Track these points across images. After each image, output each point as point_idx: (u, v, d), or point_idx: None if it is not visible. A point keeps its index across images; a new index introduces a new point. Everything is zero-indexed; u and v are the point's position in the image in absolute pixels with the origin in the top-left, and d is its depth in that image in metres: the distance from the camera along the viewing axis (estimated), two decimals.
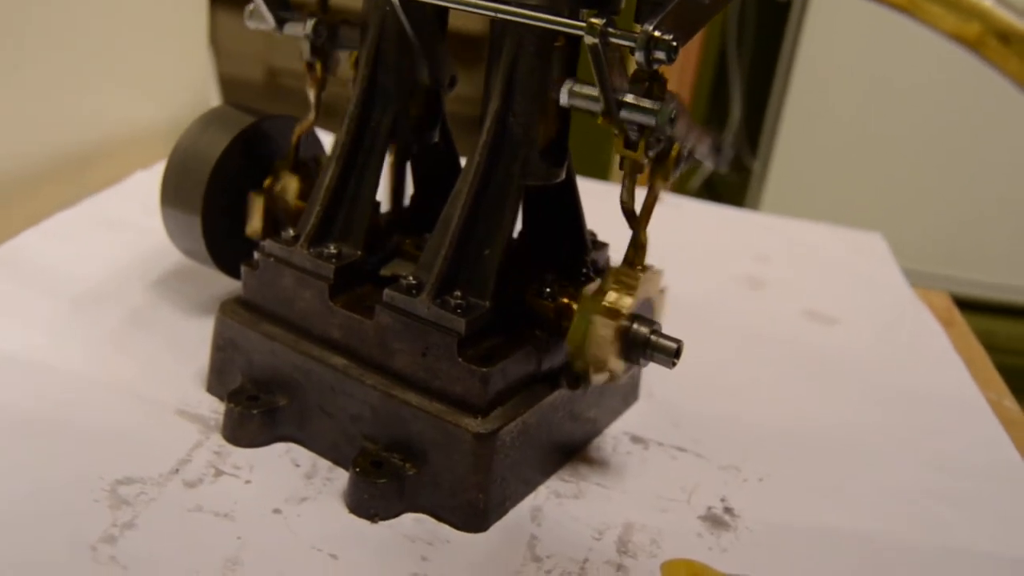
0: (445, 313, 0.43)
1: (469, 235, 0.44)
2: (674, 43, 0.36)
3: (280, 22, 0.49)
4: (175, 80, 0.84)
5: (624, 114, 0.40)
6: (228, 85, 1.30)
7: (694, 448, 0.52)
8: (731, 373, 0.60)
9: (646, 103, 0.39)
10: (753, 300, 0.71)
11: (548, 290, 0.46)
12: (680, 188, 1.73)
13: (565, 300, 0.46)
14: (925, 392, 0.60)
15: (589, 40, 0.37)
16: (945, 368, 0.63)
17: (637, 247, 0.43)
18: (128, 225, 0.64)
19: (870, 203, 1.43)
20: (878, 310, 0.71)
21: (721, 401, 0.56)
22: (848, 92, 1.38)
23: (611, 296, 0.43)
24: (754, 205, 1.56)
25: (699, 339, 0.61)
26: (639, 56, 0.36)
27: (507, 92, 0.44)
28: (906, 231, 1.39)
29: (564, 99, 0.41)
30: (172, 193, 0.54)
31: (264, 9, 0.49)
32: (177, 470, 0.44)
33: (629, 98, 0.39)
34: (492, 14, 0.40)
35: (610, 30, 0.37)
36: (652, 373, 0.54)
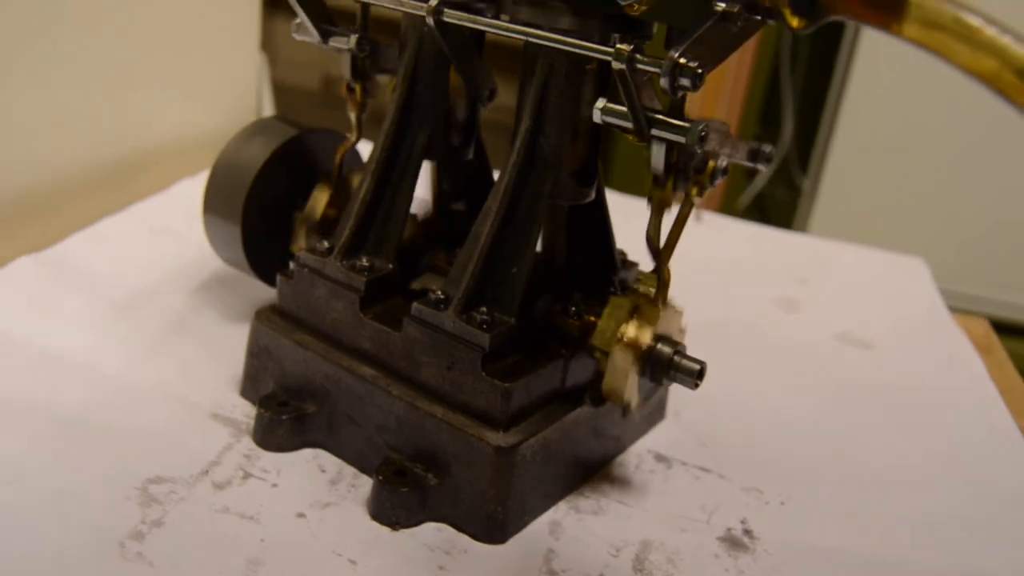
0: (470, 328, 0.44)
1: (497, 252, 0.45)
2: (699, 70, 0.36)
3: (325, 35, 0.50)
4: (224, 89, 0.87)
5: (655, 132, 0.40)
6: (283, 92, 1.32)
7: (718, 469, 0.52)
8: (760, 395, 0.60)
9: (676, 122, 0.40)
10: (788, 322, 0.71)
11: (574, 308, 0.47)
12: (729, 205, 1.73)
13: (590, 319, 0.47)
14: (956, 419, 0.59)
15: (617, 66, 0.38)
16: (978, 396, 0.62)
17: (661, 285, 0.44)
18: (172, 232, 0.66)
19: (916, 221, 1.41)
20: (914, 335, 0.70)
21: (748, 422, 0.57)
22: (899, 111, 1.37)
23: (632, 330, 0.44)
24: (803, 223, 1.55)
25: (730, 360, 0.61)
26: (664, 83, 0.36)
27: (538, 112, 0.44)
28: (951, 251, 1.38)
29: (597, 117, 0.42)
30: (214, 202, 0.56)
31: (308, 23, 0.50)
32: (207, 471, 0.46)
33: (659, 117, 0.40)
34: (524, 38, 0.41)
35: (637, 56, 0.38)
36: (679, 392, 0.55)
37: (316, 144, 0.57)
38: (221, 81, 0.87)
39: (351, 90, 0.53)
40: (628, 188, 0.79)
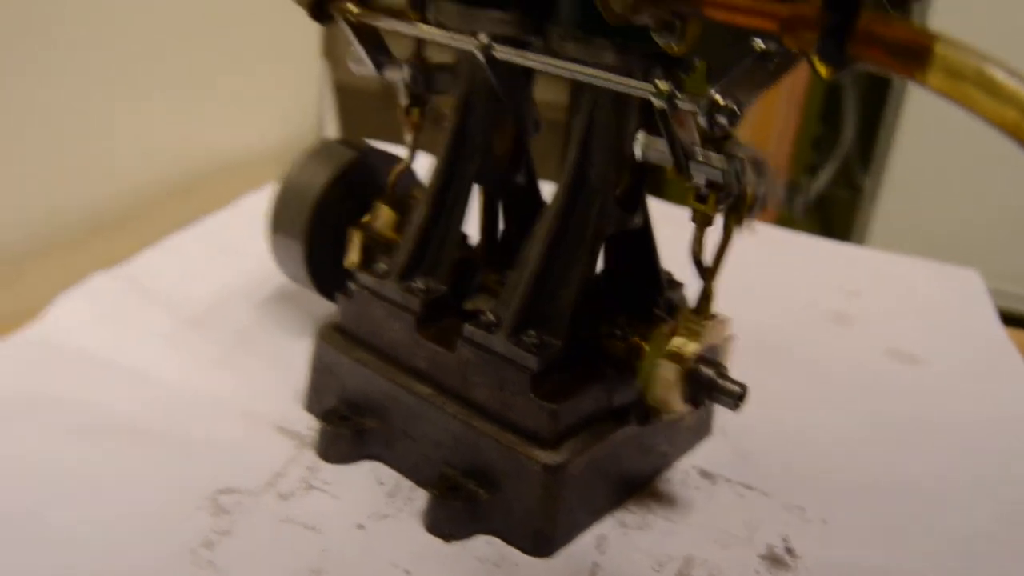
0: (520, 351, 0.46)
1: (545, 277, 0.47)
2: (736, 108, 0.38)
3: (379, 66, 0.53)
4: (286, 101, 0.90)
5: (693, 168, 0.42)
6: (346, 94, 1.35)
7: (761, 486, 0.53)
8: (806, 411, 0.61)
9: (714, 159, 0.41)
10: (837, 336, 0.72)
11: (619, 331, 0.49)
12: (788, 206, 1.72)
13: (636, 340, 0.48)
14: (1005, 439, 0.59)
15: (657, 103, 0.39)
16: None
17: (705, 297, 0.45)
18: (238, 246, 0.69)
19: (981, 220, 1.40)
20: (965, 351, 0.70)
21: (793, 439, 0.58)
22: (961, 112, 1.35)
23: (677, 341, 0.45)
24: (865, 224, 1.54)
25: (777, 375, 0.63)
26: (702, 121, 0.38)
27: (585, 143, 0.46)
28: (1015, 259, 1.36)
29: (638, 152, 0.44)
30: (278, 222, 0.59)
31: (363, 54, 0.52)
32: (273, 482, 0.49)
33: (698, 154, 0.41)
34: (567, 74, 0.43)
35: (676, 94, 0.39)
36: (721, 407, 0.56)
37: (376, 164, 0.60)
38: (283, 94, 0.90)
39: (408, 112, 0.55)
40: (683, 199, 0.80)
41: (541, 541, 0.46)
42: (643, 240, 0.51)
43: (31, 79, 0.63)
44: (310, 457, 0.51)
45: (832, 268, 0.84)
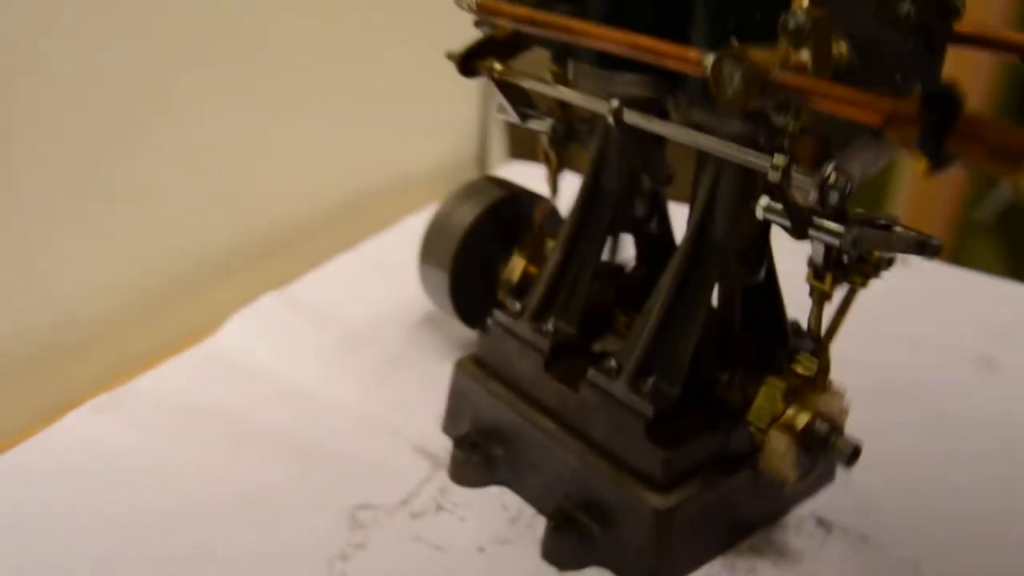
0: (637, 398, 0.48)
1: (666, 328, 0.49)
2: (847, 185, 0.39)
3: (523, 117, 0.56)
4: (450, 127, 0.94)
5: (812, 233, 0.43)
6: None
7: (878, 538, 0.53)
8: (939, 463, 0.60)
9: (832, 226, 0.42)
10: (982, 384, 0.70)
11: (738, 380, 0.51)
12: (964, 217, 1.64)
13: (751, 391, 0.50)
14: None
15: (772, 177, 0.41)
16: None
17: (822, 371, 0.47)
18: (396, 269, 0.74)
19: None
20: None
21: (920, 492, 0.57)
22: None
23: (789, 413, 0.47)
24: None
25: (911, 422, 0.62)
26: (813, 196, 0.40)
27: (709, 202, 0.48)
28: None
29: (759, 214, 0.45)
30: (427, 253, 0.64)
31: (508, 107, 0.56)
32: (407, 501, 0.53)
33: (816, 220, 0.43)
34: (690, 142, 0.45)
35: (792, 169, 0.41)
36: None
37: (523, 203, 0.63)
38: (447, 116, 0.95)
39: (547, 157, 0.58)
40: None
41: None
42: (767, 294, 0.52)
43: (205, 108, 0.70)
44: (443, 478, 0.55)
45: (984, 306, 0.81)
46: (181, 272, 0.70)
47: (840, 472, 0.58)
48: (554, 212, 0.64)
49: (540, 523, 0.52)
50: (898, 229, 0.44)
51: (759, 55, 0.36)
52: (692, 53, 0.40)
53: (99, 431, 0.56)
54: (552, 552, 0.50)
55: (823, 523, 0.55)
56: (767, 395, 0.48)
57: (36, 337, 0.61)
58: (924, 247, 0.45)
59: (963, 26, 0.43)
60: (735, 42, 0.39)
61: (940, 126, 0.33)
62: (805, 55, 0.37)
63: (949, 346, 0.74)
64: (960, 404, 0.67)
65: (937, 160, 0.34)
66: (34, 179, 0.60)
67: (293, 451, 0.56)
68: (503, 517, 0.53)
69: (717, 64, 0.38)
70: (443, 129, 0.94)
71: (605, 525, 0.50)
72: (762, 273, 0.51)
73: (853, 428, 0.57)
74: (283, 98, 0.76)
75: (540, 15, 0.46)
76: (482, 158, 0.99)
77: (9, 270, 0.59)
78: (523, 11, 0.47)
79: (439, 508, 0.53)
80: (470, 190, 0.64)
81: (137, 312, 0.67)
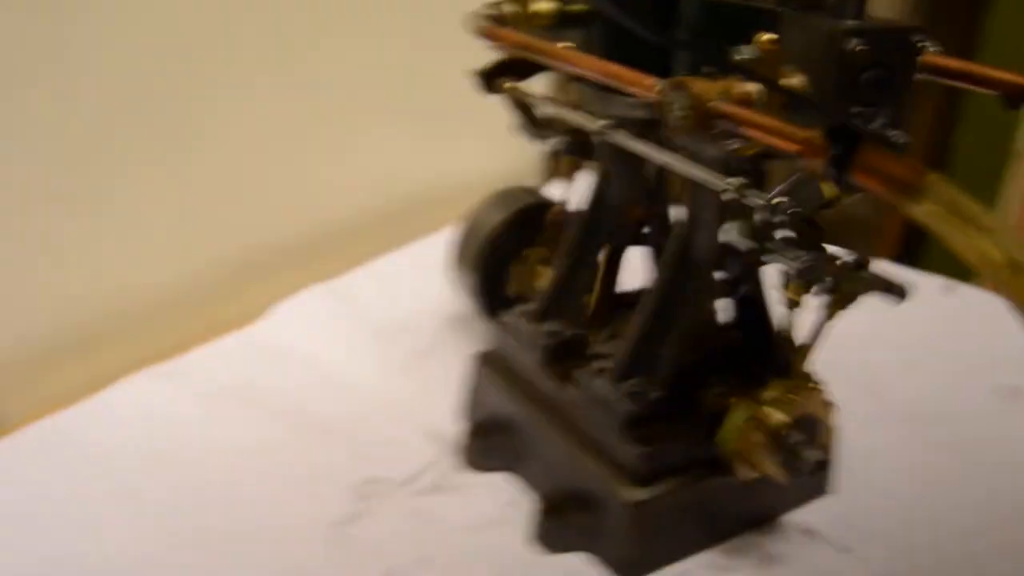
0: (618, 397, 0.52)
1: (650, 334, 0.52)
2: (794, 210, 0.42)
3: (539, 138, 0.60)
4: (509, 137, 0.98)
5: (766, 258, 0.46)
6: None
7: (861, 551, 0.55)
8: (945, 490, 0.61)
9: (788, 253, 0.45)
10: (1006, 414, 0.69)
11: (724, 388, 0.53)
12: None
13: (732, 399, 0.52)
14: None
15: (725, 196, 0.44)
16: None
17: (797, 373, 0.49)
18: (434, 271, 0.78)
19: None
20: None
21: (920, 514, 0.58)
22: None
23: (765, 410, 0.49)
24: None
25: (925, 448, 0.62)
26: (758, 218, 0.42)
27: (692, 218, 0.51)
28: None
29: (721, 236, 0.48)
30: (458, 255, 0.68)
31: (523, 122, 0.60)
32: (412, 479, 0.58)
33: (772, 246, 0.45)
34: (665, 164, 0.48)
35: (745, 192, 0.44)
36: (856, 473, 0.59)
37: (546, 210, 0.67)
38: (503, 123, 0.99)
39: (561, 170, 0.63)
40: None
41: (626, 566, 0.52)
42: (753, 306, 0.55)
43: (276, 106, 0.76)
44: (449, 462, 0.60)
45: (1015, 332, 0.80)
46: (242, 262, 0.77)
47: (846, 486, 0.59)
48: (567, 217, 0.68)
49: (533, 509, 0.56)
50: (868, 270, 0.46)
51: (703, 85, 0.40)
52: (648, 81, 0.43)
53: (148, 398, 0.63)
54: (539, 536, 0.54)
55: (809, 532, 0.56)
56: (735, 420, 0.50)
57: (101, 310, 0.68)
58: (890, 289, 0.47)
59: (947, 62, 0.45)
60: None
61: (842, 158, 0.35)
62: (752, 86, 0.40)
63: (975, 374, 0.74)
64: (979, 433, 0.66)
65: (842, 187, 0.36)
66: (114, 171, 0.67)
67: (316, 428, 0.61)
68: (500, 500, 0.57)
69: (663, 92, 0.41)
70: (505, 138, 0.97)
71: (589, 514, 0.53)
72: (744, 288, 0.53)
73: (863, 448, 0.59)
74: (350, 101, 0.81)
75: (533, 42, 0.50)
76: (541, 168, 1.03)
77: (89, 252, 0.66)
78: (518, 38, 0.51)
79: (440, 488, 0.57)
80: (500, 197, 0.69)
81: (200, 296, 0.74)
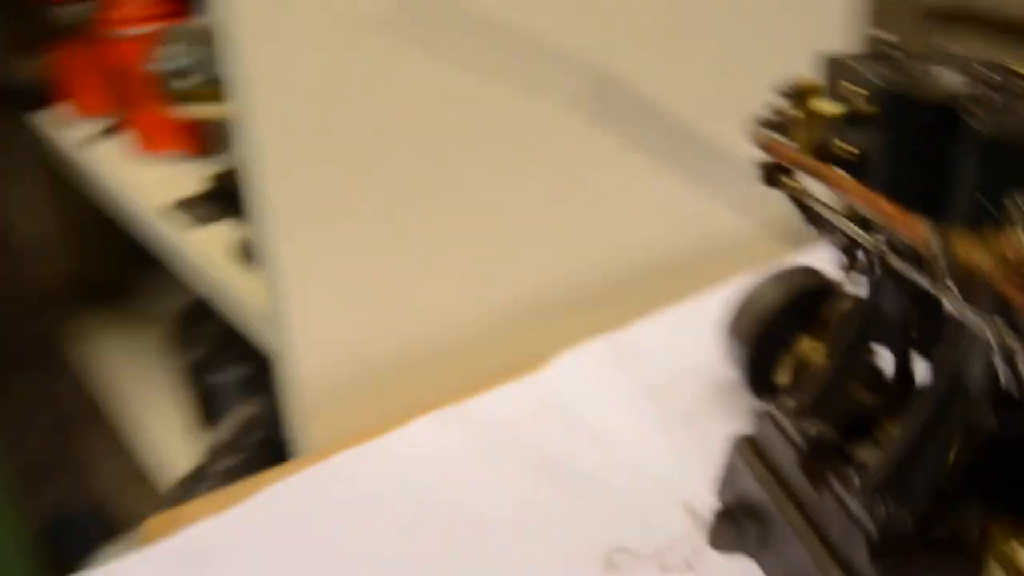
0: (868, 517, 0.52)
1: (909, 461, 0.52)
2: None
3: (819, 232, 0.60)
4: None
5: None
6: None
7: None
8: None
9: None
10: None
11: (983, 523, 0.51)
12: None
13: (995, 531, 0.51)
14: None
15: (995, 357, 0.43)
16: None
17: None
18: (712, 330, 0.79)
19: None
20: None
21: None
22: None
23: (1012, 544, 0.47)
24: None
25: None
26: None
27: (967, 351, 0.49)
28: None
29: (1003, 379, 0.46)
30: (732, 326, 0.70)
31: (804, 220, 0.60)
32: (661, 552, 0.61)
33: None
34: (941, 300, 0.47)
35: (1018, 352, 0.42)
36: None
37: (827, 296, 0.67)
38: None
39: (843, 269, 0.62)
40: None
41: None
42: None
43: (581, 152, 0.81)
44: (699, 539, 0.62)
45: None
46: (527, 306, 0.82)
47: None
48: (844, 316, 0.67)
49: None
50: None
51: (966, 246, 0.38)
52: (919, 227, 0.42)
53: (432, 440, 0.70)
54: None
55: None
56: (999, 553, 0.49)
57: (396, 350, 0.77)
58: None
59: None
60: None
61: None
62: None
63: None
64: None
65: None
66: (419, 210, 0.75)
67: (575, 485, 0.66)
68: None
69: (927, 242, 0.40)
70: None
71: None
72: (1019, 428, 0.51)
73: None
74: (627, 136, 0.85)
75: (807, 162, 0.50)
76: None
77: (387, 290, 0.75)
78: (794, 156, 0.51)
79: (689, 568, 0.60)
80: (783, 275, 0.69)
81: (482, 338, 0.81)
